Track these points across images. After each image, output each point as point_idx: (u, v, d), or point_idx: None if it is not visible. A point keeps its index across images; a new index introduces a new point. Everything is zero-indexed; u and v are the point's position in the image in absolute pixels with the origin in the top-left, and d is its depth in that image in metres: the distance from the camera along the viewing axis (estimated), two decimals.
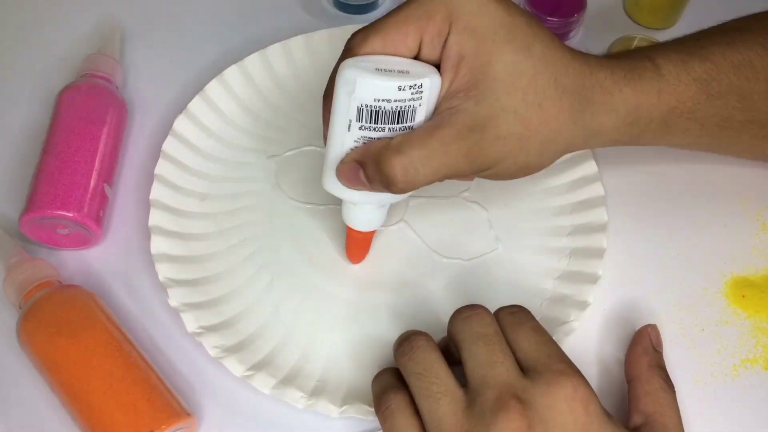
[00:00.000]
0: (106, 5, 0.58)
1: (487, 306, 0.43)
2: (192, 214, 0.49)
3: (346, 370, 0.44)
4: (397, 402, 0.36)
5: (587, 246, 0.47)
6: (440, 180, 0.38)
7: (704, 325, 0.46)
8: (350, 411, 0.42)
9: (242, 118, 0.53)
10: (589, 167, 0.50)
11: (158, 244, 0.46)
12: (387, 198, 0.41)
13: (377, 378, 0.39)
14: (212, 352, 0.43)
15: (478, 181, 0.50)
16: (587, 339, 0.45)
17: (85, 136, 0.48)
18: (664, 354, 0.43)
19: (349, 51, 0.38)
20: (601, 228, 0.48)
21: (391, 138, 0.38)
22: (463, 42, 0.37)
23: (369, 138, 0.38)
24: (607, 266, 0.47)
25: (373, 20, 0.39)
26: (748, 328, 0.46)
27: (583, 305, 0.45)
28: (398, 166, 0.37)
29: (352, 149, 0.39)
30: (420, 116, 0.38)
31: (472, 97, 0.37)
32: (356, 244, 0.46)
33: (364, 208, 0.43)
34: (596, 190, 0.49)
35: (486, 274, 0.47)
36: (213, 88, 0.52)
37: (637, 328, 0.45)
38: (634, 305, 0.47)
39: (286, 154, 0.51)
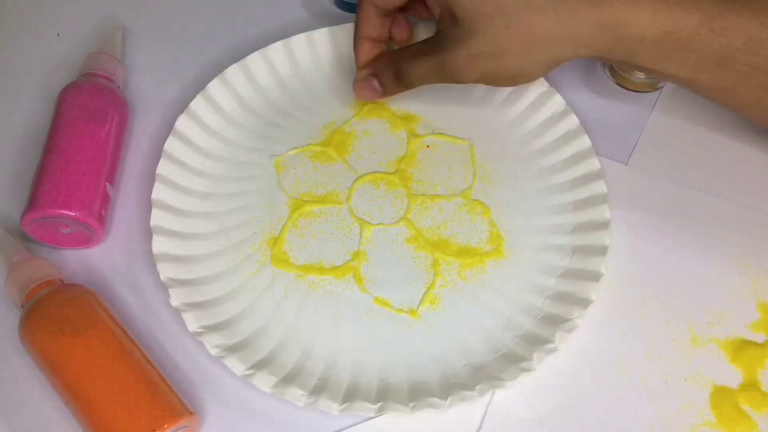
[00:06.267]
0: (108, 4, 0.58)
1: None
2: (193, 214, 0.49)
3: (347, 368, 0.44)
4: None
5: (590, 243, 0.47)
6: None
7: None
8: (351, 408, 0.42)
9: (244, 117, 0.53)
10: (592, 164, 0.50)
11: (160, 245, 0.46)
12: None
13: None
14: (213, 352, 0.43)
15: (480, 180, 0.50)
16: (590, 336, 0.45)
17: (87, 135, 0.48)
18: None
19: None
20: (603, 225, 0.47)
21: None
22: None
23: None
24: (610, 264, 0.47)
25: None
26: None
27: (585, 303, 0.45)
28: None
29: None
30: None
31: (452, 26, 0.45)
32: None
33: None
34: (598, 187, 0.49)
35: (488, 272, 0.47)
36: (214, 87, 0.52)
37: (637, 327, 0.45)
38: (636, 303, 0.46)
39: (288, 152, 0.51)
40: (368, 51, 0.50)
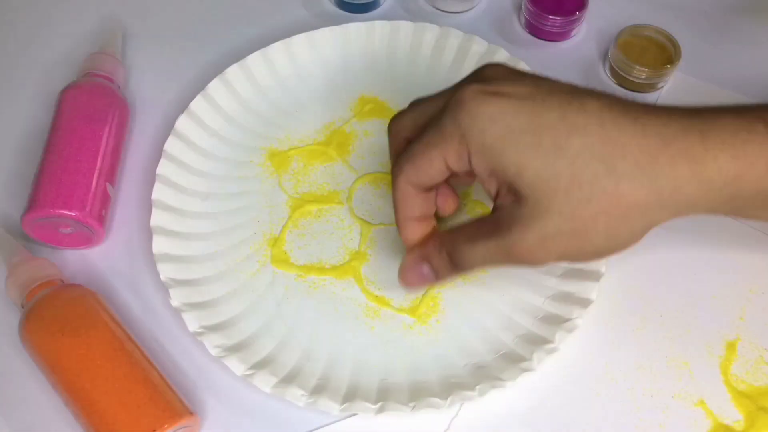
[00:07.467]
0: (108, 4, 0.58)
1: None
2: (194, 214, 0.49)
3: (347, 368, 0.44)
4: None
5: None
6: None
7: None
8: (351, 408, 0.42)
9: (244, 116, 0.53)
10: None
11: (160, 245, 0.46)
12: None
13: None
14: (213, 352, 0.43)
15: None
16: (590, 336, 0.45)
17: (87, 135, 0.48)
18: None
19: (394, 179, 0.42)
20: None
21: None
22: (483, 161, 0.37)
23: None
24: (610, 264, 0.47)
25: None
26: None
27: (585, 302, 0.45)
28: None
29: None
30: None
31: (515, 202, 0.37)
32: None
33: None
34: None
35: (488, 272, 0.47)
36: (215, 87, 0.52)
37: (638, 327, 0.45)
38: (638, 302, 0.46)
39: (288, 152, 0.51)
40: (415, 230, 0.43)
